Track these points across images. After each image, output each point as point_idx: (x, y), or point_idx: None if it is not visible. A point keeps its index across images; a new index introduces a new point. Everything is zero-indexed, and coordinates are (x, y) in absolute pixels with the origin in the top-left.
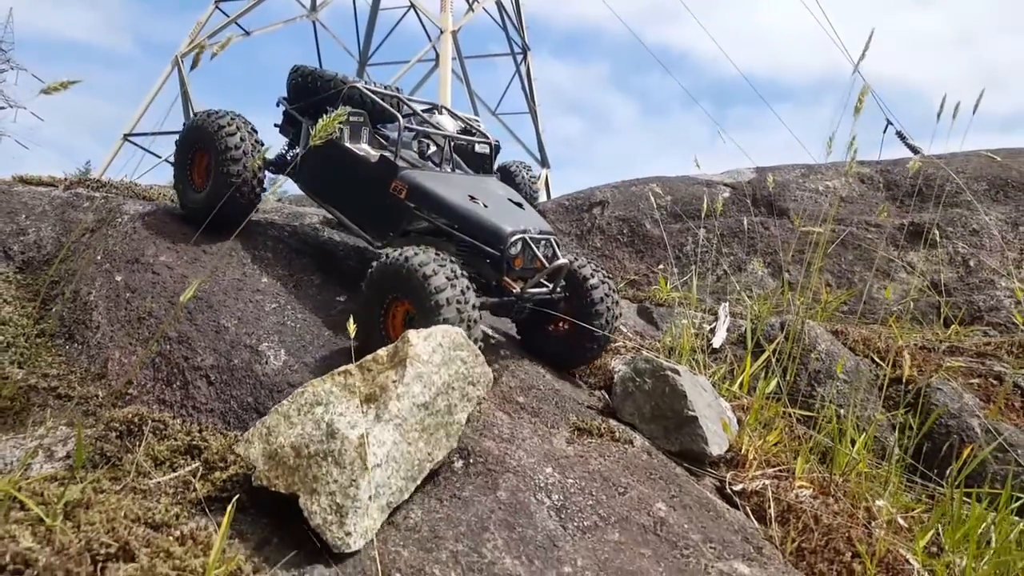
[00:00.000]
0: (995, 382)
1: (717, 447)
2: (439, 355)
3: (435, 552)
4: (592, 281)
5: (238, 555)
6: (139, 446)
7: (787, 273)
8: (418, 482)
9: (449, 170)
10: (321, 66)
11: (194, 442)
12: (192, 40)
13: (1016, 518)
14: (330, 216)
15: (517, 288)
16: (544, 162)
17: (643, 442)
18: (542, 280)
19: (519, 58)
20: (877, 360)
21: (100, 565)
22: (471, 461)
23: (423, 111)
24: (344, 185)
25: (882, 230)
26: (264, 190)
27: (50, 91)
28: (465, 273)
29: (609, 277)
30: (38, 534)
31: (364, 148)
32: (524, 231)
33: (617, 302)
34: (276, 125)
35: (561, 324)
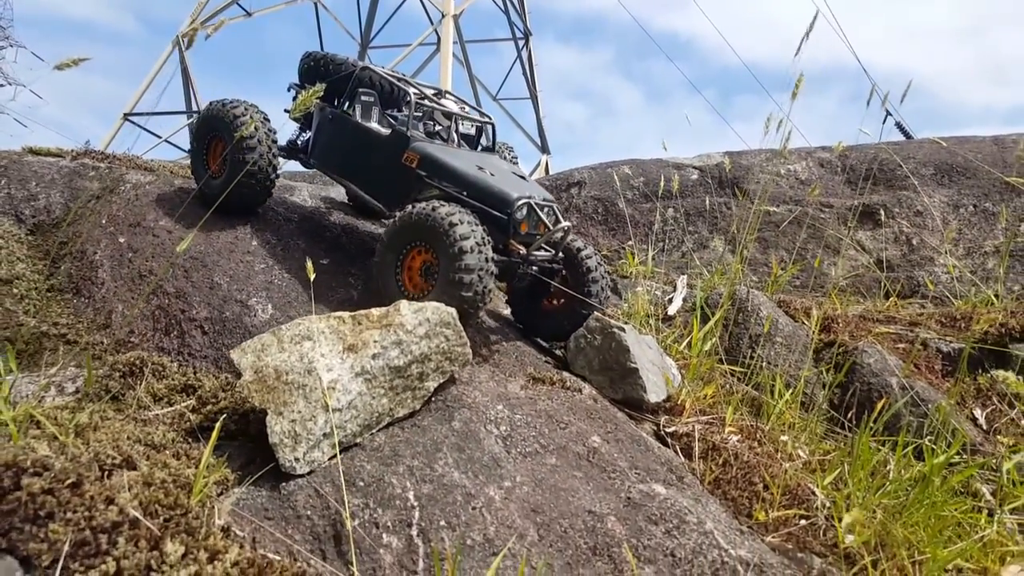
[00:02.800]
0: (920, 347)
1: (655, 395)
2: (424, 328)
3: (393, 466)
4: (585, 252)
5: (224, 468)
6: (140, 384)
7: (746, 250)
8: (374, 431)
9: (455, 146)
10: (323, 49)
11: (189, 382)
12: (193, 21)
13: (916, 461)
14: (325, 193)
15: (523, 250)
16: (544, 148)
17: (591, 391)
18: (544, 245)
19: (520, 43)
20: (809, 325)
21: (107, 471)
22: (432, 399)
23: (431, 94)
24: (358, 159)
25: (835, 210)
26: (277, 176)
27: (62, 67)
28: (483, 227)
29: (602, 264)
30: (53, 447)
31: (375, 126)
32: (529, 197)
33: (608, 273)
34: (286, 111)
35: (556, 299)
